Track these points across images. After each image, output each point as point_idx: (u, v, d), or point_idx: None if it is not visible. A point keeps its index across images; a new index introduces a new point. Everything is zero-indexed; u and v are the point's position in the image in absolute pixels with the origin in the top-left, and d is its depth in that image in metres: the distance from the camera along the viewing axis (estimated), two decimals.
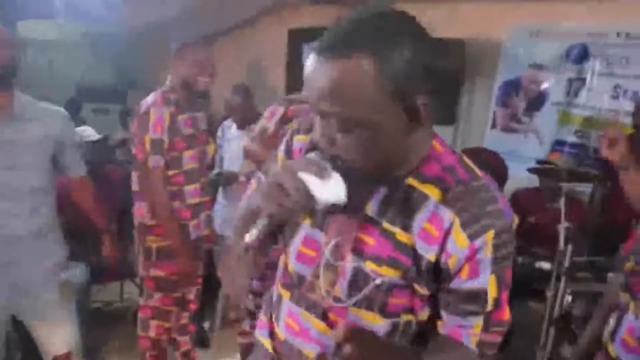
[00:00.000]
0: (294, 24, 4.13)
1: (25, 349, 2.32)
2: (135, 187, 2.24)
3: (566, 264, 2.12)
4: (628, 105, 3.09)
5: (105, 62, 4.92)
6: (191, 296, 2.42)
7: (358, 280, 0.86)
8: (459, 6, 3.78)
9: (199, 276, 2.45)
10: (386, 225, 0.84)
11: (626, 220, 2.14)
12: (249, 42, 4.83)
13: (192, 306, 2.46)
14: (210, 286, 2.97)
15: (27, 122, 1.76)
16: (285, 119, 2.46)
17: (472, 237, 0.78)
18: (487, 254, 0.79)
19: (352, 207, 0.85)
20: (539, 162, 2.92)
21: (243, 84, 4.12)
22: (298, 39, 4.14)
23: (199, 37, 2.27)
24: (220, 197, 3.05)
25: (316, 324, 0.92)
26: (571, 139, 3.41)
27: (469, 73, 3.79)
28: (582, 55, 3.36)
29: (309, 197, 0.79)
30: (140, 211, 2.24)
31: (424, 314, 0.88)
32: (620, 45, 3.21)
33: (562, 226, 2.16)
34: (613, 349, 1.33)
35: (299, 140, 0.98)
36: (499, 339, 0.86)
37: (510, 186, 3.22)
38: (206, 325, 3.18)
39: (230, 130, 3.12)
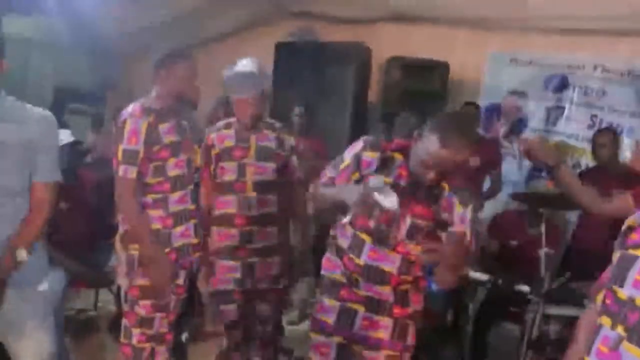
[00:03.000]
0: (278, 38, 4.17)
1: None
2: None
3: (545, 288, 2.19)
4: None
5: (87, 63, 4.81)
6: (171, 305, 2.36)
7: (412, 228, 1.75)
8: (443, 30, 3.87)
9: (180, 286, 2.39)
10: (427, 201, 1.74)
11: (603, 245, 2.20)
12: (235, 55, 4.82)
13: (171, 316, 2.40)
14: (190, 297, 2.92)
15: (9, 125, 1.71)
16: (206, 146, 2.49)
17: (463, 206, 1.74)
18: (467, 215, 1.74)
19: (407, 196, 1.72)
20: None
21: (225, 96, 4.09)
22: (285, 53, 4.18)
23: (183, 48, 2.25)
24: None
25: (390, 252, 1.78)
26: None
27: (452, 96, 3.88)
28: (561, 85, 3.49)
29: (378, 204, 1.65)
30: (124, 219, 2.22)
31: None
32: (598, 78, 3.36)
33: (543, 251, 2.23)
34: None
35: (368, 156, 1.77)
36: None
37: (489, 208, 3.31)
38: (184, 336, 3.12)
39: None
